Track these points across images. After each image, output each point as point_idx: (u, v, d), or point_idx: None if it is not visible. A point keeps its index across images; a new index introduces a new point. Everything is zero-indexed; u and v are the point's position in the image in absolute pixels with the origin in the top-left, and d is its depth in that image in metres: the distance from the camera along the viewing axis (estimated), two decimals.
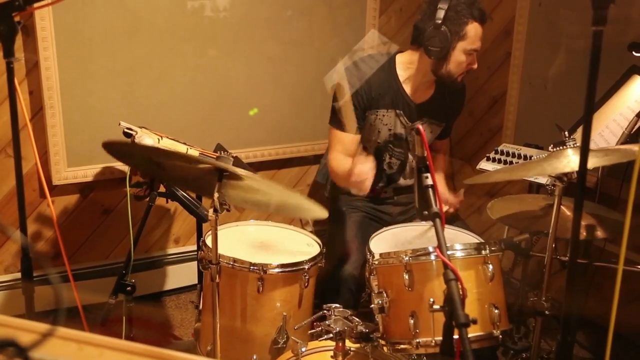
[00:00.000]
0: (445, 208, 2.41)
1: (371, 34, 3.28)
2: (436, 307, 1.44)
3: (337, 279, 2.37)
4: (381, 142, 2.61)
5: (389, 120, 2.56)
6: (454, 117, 2.77)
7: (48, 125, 2.77)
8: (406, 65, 2.54)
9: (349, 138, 2.52)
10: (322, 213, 1.94)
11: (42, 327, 0.78)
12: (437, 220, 1.49)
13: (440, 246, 1.44)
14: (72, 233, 2.98)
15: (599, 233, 2.11)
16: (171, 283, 3.26)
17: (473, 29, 2.37)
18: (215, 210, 1.79)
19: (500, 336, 1.82)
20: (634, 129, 2.30)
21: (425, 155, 1.56)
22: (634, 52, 2.42)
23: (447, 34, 2.35)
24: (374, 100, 2.52)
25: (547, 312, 2.01)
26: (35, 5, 1.74)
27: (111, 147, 1.87)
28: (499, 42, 3.39)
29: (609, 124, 2.41)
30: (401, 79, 2.54)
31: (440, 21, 2.35)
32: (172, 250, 3.26)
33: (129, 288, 2.36)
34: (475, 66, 2.45)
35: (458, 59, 2.40)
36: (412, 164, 2.67)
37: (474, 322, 1.33)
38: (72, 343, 0.87)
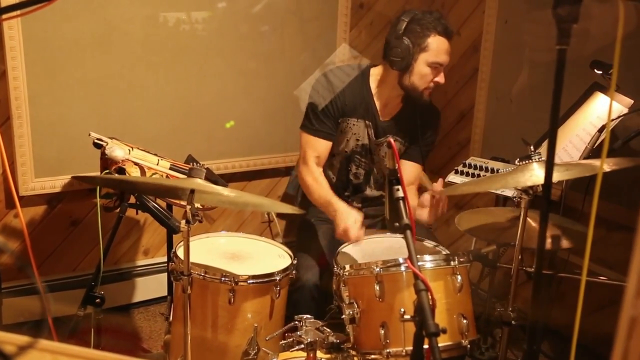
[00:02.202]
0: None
1: (342, 48, 3.33)
2: (407, 317, 1.46)
3: (304, 290, 2.38)
4: (348, 151, 2.65)
5: (358, 130, 2.60)
6: (426, 142, 2.70)
7: (15, 135, 2.74)
8: (377, 78, 2.59)
9: (320, 143, 2.56)
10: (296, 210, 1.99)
11: (21, 339, 0.78)
12: (408, 231, 1.51)
13: (411, 257, 1.46)
14: (39, 244, 2.94)
15: (564, 243, 2.17)
16: (140, 295, 3.23)
17: (435, 42, 2.41)
18: (188, 222, 1.79)
19: (469, 346, 1.86)
20: (596, 144, 2.37)
21: (396, 167, 1.59)
22: (595, 70, 2.50)
23: (408, 45, 2.40)
24: (347, 108, 2.57)
25: (513, 322, 2.05)
26: (7, 15, 1.73)
27: (83, 179, 1.87)
28: (466, 58, 3.47)
29: (572, 139, 2.48)
30: (373, 91, 2.59)
31: (402, 32, 2.41)
32: (141, 261, 3.24)
33: (98, 300, 2.33)
34: (442, 81, 2.47)
35: (421, 71, 2.43)
36: (377, 176, 2.71)
37: (444, 331, 1.36)
38: (46, 354, 0.87)
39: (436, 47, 2.41)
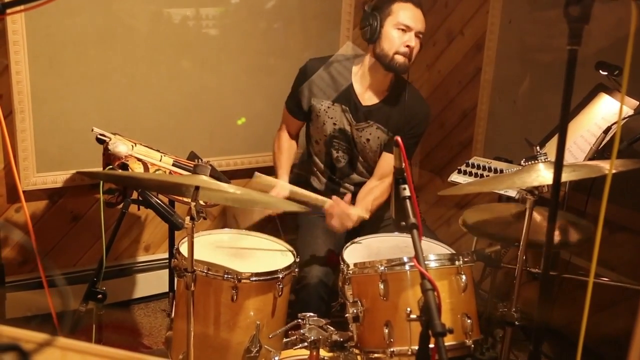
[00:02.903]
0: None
1: (346, 46, 3.32)
2: (413, 316, 1.46)
3: (308, 289, 2.38)
4: (327, 136, 2.68)
5: (334, 114, 2.64)
6: (411, 135, 2.67)
7: (18, 129, 2.73)
8: (360, 63, 2.66)
9: (290, 120, 2.78)
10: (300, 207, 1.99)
11: (38, 336, 0.78)
12: (415, 231, 1.51)
13: (418, 257, 1.46)
14: (41, 239, 2.93)
15: (570, 237, 2.17)
16: (141, 291, 3.22)
17: (400, 7, 2.49)
18: (192, 218, 1.79)
19: (472, 346, 1.85)
20: (601, 145, 2.37)
21: (403, 166, 1.59)
22: (600, 71, 2.50)
23: (375, 14, 2.49)
24: (320, 92, 2.64)
25: (517, 322, 2.04)
26: (11, 10, 1.71)
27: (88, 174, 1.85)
28: (470, 58, 3.46)
29: (577, 140, 2.47)
30: (354, 77, 2.64)
31: (371, 7, 2.51)
32: (142, 257, 3.23)
33: (99, 296, 2.32)
34: (412, 44, 2.48)
35: (389, 34, 2.49)
36: (363, 164, 2.72)
37: (451, 331, 1.36)
38: (56, 350, 0.87)
39: (401, 10, 2.49)
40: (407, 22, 2.48)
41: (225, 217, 3.31)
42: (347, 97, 2.63)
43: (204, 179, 1.79)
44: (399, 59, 2.50)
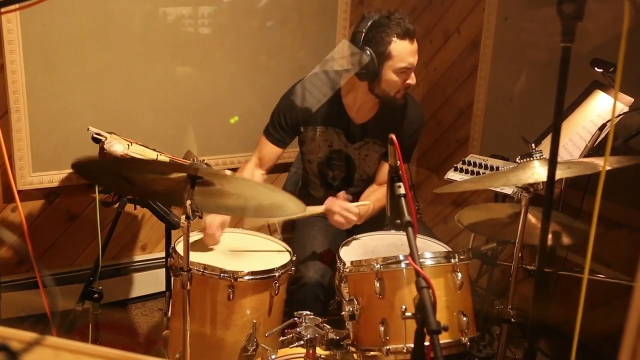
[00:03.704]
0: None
1: (342, 44, 3.32)
2: (408, 314, 1.46)
3: (305, 288, 2.38)
4: (322, 158, 2.63)
5: (328, 137, 2.58)
6: (410, 143, 2.64)
7: (13, 129, 2.73)
8: (349, 84, 2.51)
9: (267, 147, 2.58)
10: (299, 209, 1.93)
11: (27, 335, 0.77)
12: (410, 229, 1.51)
13: (413, 254, 1.46)
14: (37, 239, 2.93)
15: (563, 240, 2.17)
16: (137, 290, 3.22)
17: (398, 47, 2.30)
18: (188, 217, 1.78)
19: (468, 343, 1.85)
20: (596, 142, 2.37)
21: (398, 164, 1.59)
22: (596, 68, 2.50)
23: (372, 56, 2.31)
24: (312, 118, 2.54)
25: (513, 320, 2.05)
26: (5, 9, 1.71)
27: (81, 167, 1.81)
28: (466, 55, 3.46)
29: (573, 137, 2.48)
30: (344, 98, 2.53)
31: (361, 43, 2.31)
32: (139, 257, 3.23)
33: (96, 295, 2.33)
34: (413, 82, 2.38)
35: (389, 78, 2.35)
36: (361, 177, 2.69)
37: (446, 329, 1.35)
38: (48, 349, 0.86)
39: (399, 52, 2.30)
40: (408, 63, 2.33)
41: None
42: (339, 118, 2.53)
43: (202, 169, 1.78)
44: (399, 95, 2.41)
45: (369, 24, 2.31)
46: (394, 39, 2.29)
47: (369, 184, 2.68)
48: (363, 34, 2.31)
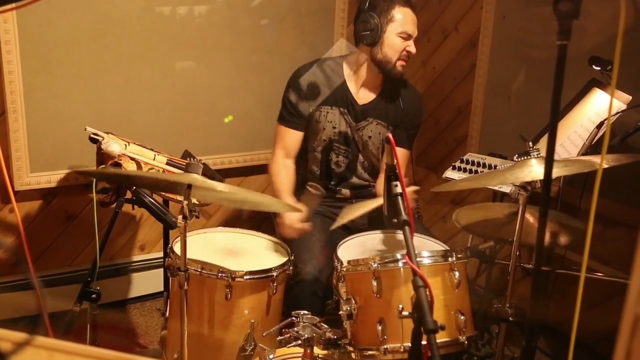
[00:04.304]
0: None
1: (340, 42, 3.32)
2: (405, 313, 1.46)
3: (303, 285, 2.37)
4: (327, 140, 2.67)
5: (333, 117, 2.63)
6: (411, 125, 2.72)
7: (11, 129, 2.72)
8: (352, 64, 2.65)
9: (288, 134, 2.66)
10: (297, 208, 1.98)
11: (17, 335, 0.77)
12: (406, 227, 1.51)
13: (410, 253, 1.46)
14: (34, 239, 2.92)
15: (561, 239, 2.17)
16: (136, 290, 3.22)
17: (401, 12, 2.49)
18: (185, 217, 1.78)
19: (466, 342, 1.85)
20: (594, 140, 2.37)
21: (395, 163, 1.58)
22: (594, 66, 2.49)
23: (376, 18, 2.48)
24: (319, 98, 2.62)
25: (511, 318, 2.04)
26: (2, 8, 1.71)
27: (84, 173, 1.84)
28: (464, 54, 3.46)
29: (570, 135, 2.47)
30: (347, 77, 2.64)
31: (367, 7, 2.49)
32: (137, 257, 3.23)
33: (94, 295, 2.32)
34: (413, 50, 2.53)
35: (391, 41, 2.50)
36: (364, 164, 2.70)
37: (442, 328, 1.35)
38: (42, 351, 0.86)
39: (403, 17, 2.49)
40: (410, 29, 2.50)
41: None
42: (343, 99, 2.63)
43: (196, 177, 1.79)
44: (400, 64, 2.54)
45: None
46: (398, 5, 2.49)
47: (371, 175, 2.73)
48: (369, 1, 2.50)
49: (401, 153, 2.69)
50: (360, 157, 2.70)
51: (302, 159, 2.76)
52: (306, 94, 2.62)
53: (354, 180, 2.73)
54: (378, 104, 2.65)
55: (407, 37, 2.51)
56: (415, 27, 2.53)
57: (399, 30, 2.49)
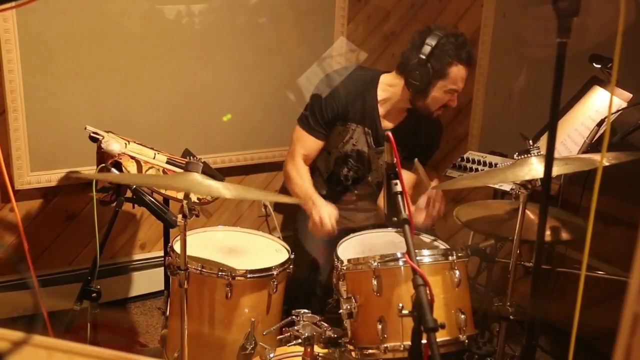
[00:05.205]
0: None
1: (340, 41, 3.31)
2: (405, 312, 1.46)
3: (303, 285, 2.38)
4: (343, 153, 2.64)
5: (356, 135, 2.60)
6: (426, 152, 2.73)
7: (11, 128, 2.72)
8: (387, 86, 2.58)
9: (312, 143, 2.60)
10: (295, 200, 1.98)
11: (15, 334, 0.77)
12: (406, 226, 1.50)
13: (409, 252, 1.46)
14: (35, 239, 2.92)
15: (562, 235, 2.17)
16: (137, 289, 3.22)
17: (456, 70, 2.41)
18: (184, 216, 1.78)
19: (467, 341, 1.85)
20: (595, 138, 2.36)
21: (395, 162, 1.58)
22: (594, 64, 2.49)
23: (429, 70, 2.39)
24: (348, 113, 2.56)
25: (511, 317, 2.04)
26: (1, 7, 1.71)
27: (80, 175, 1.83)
28: None
29: (571, 133, 2.47)
30: (379, 98, 2.58)
31: (424, 57, 2.38)
32: (137, 256, 3.22)
33: (94, 294, 2.32)
34: (455, 104, 2.50)
35: (437, 95, 2.45)
36: (370, 184, 2.70)
37: (443, 326, 1.35)
38: (41, 350, 0.86)
39: (456, 75, 2.42)
40: (458, 86, 2.45)
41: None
42: (371, 120, 2.58)
43: (195, 177, 1.78)
44: (437, 113, 2.52)
45: (436, 40, 2.38)
46: (456, 62, 2.39)
47: (371, 196, 2.73)
48: (430, 48, 2.38)
49: (408, 176, 2.64)
50: (369, 177, 2.70)
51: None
52: (337, 109, 2.55)
53: (356, 192, 2.73)
54: (400, 130, 2.56)
55: (453, 92, 2.46)
56: (463, 83, 2.46)
57: (448, 88, 2.43)
